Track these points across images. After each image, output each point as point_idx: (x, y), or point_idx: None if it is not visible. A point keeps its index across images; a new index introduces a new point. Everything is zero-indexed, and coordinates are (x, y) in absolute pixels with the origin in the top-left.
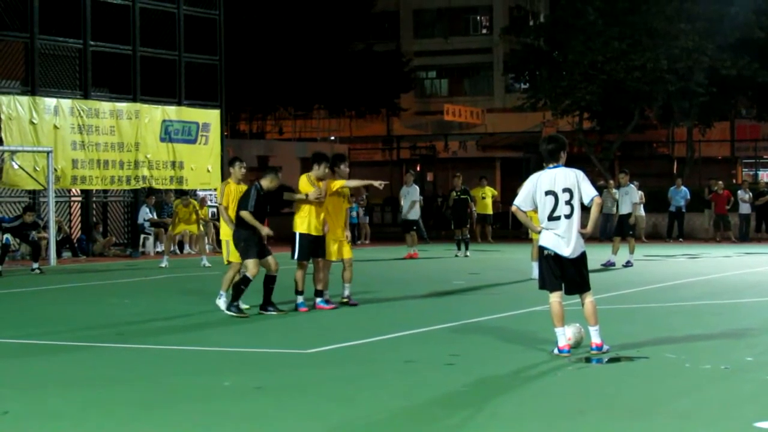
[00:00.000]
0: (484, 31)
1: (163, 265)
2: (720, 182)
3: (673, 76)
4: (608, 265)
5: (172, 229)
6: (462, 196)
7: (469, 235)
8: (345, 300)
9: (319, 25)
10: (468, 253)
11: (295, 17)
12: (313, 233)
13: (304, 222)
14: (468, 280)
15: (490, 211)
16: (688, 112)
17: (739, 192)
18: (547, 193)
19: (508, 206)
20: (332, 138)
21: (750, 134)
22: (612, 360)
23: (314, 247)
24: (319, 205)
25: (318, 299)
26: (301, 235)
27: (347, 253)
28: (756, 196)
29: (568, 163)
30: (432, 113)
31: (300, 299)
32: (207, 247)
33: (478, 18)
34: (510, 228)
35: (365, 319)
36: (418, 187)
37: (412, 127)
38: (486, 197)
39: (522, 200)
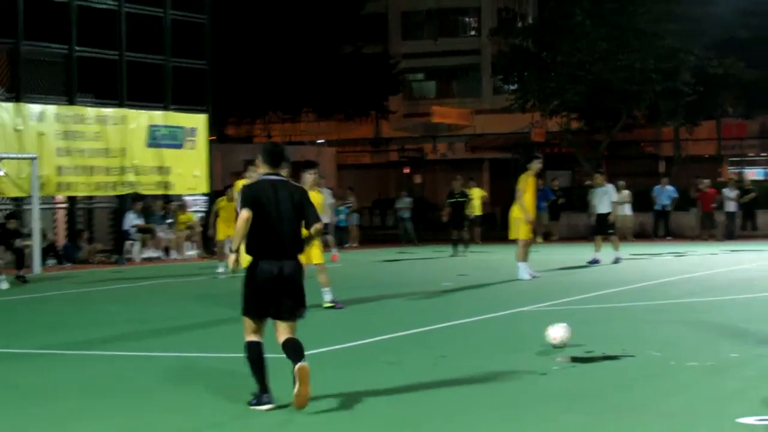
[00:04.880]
0: (473, 32)
1: (220, 270)
2: (706, 181)
3: (660, 76)
4: (593, 263)
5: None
6: (460, 199)
7: (468, 236)
8: (329, 304)
9: (308, 28)
10: (466, 253)
11: (283, 20)
12: None
13: None
14: (456, 282)
15: (478, 212)
16: (674, 111)
17: (724, 190)
18: None
19: (497, 207)
20: (321, 141)
21: (736, 133)
22: (598, 359)
23: None
24: None
25: None
26: None
27: (316, 258)
28: (742, 194)
29: (556, 163)
30: (420, 115)
31: None
32: (194, 251)
33: (467, 19)
34: (498, 229)
35: (352, 322)
36: (330, 191)
37: (400, 130)
38: (474, 198)
39: None
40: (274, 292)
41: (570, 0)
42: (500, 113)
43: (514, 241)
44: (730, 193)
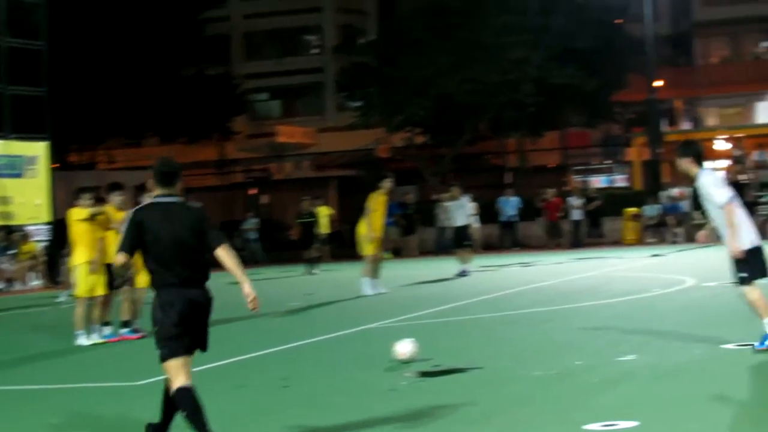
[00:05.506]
0: (316, 50)
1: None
2: (551, 190)
3: (503, 88)
4: (462, 275)
5: None
6: (308, 219)
7: (319, 254)
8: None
9: (149, 51)
10: (316, 271)
11: (124, 44)
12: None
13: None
14: (304, 301)
15: (326, 230)
16: (517, 122)
17: (569, 199)
18: None
19: (346, 225)
20: None
21: (580, 142)
22: (446, 372)
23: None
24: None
25: (123, 330)
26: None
27: (102, 288)
28: (587, 202)
29: (401, 179)
30: (265, 135)
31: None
32: (38, 281)
33: (309, 38)
34: (347, 246)
35: None
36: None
37: (245, 151)
38: (321, 217)
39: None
40: (191, 322)
41: (411, 15)
42: (345, 131)
43: (363, 258)
44: (575, 201)
